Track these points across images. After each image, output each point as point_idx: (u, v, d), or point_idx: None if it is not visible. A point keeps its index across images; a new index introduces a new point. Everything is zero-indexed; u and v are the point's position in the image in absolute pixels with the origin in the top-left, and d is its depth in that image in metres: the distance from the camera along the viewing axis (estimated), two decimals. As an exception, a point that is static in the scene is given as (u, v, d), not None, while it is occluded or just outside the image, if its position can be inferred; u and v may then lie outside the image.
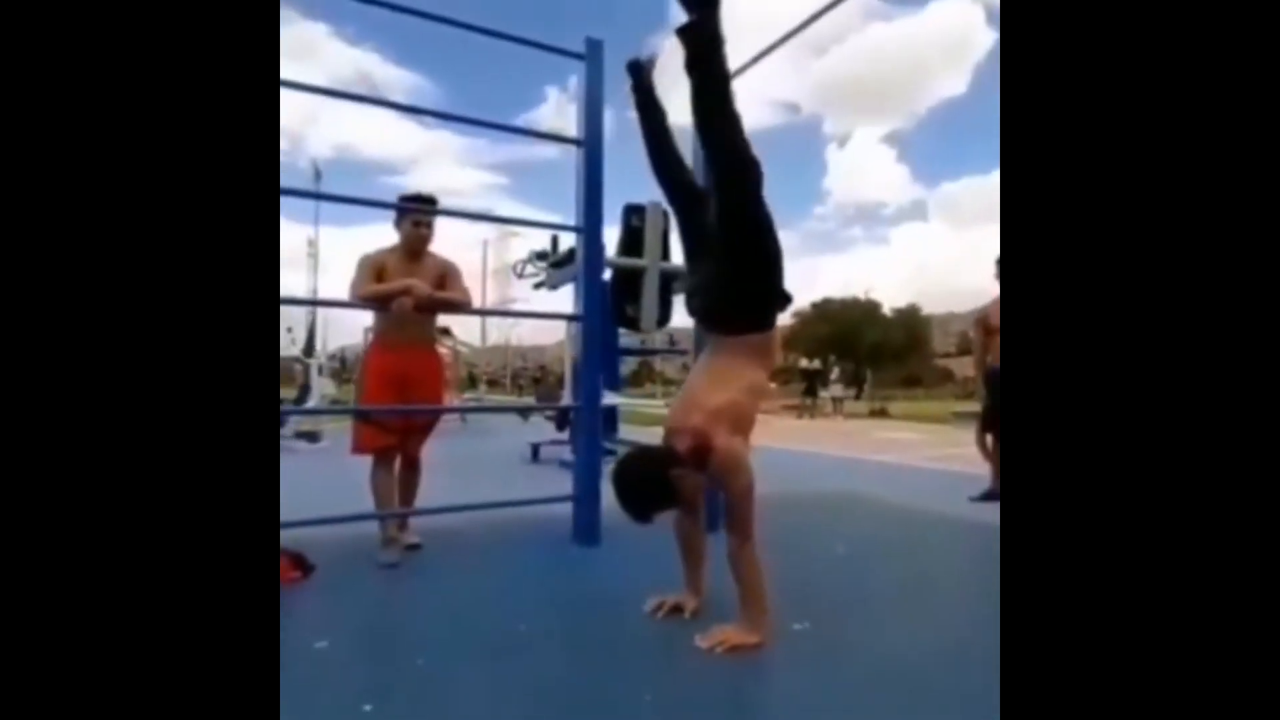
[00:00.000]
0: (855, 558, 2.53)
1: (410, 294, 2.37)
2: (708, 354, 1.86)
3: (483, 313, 3.16)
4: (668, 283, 2.96)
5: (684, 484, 1.64)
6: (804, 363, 15.38)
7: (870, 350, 33.14)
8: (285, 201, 2.44)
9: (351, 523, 2.40)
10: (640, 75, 2.05)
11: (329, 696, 1.35)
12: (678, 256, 2.99)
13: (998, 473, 3.85)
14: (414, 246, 2.49)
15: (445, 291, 2.50)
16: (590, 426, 2.67)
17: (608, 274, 3.13)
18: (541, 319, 3.08)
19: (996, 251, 3.79)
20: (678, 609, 1.85)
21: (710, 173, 1.75)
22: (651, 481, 1.63)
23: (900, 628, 1.79)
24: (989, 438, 3.97)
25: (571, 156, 2.68)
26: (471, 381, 15.46)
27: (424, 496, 2.67)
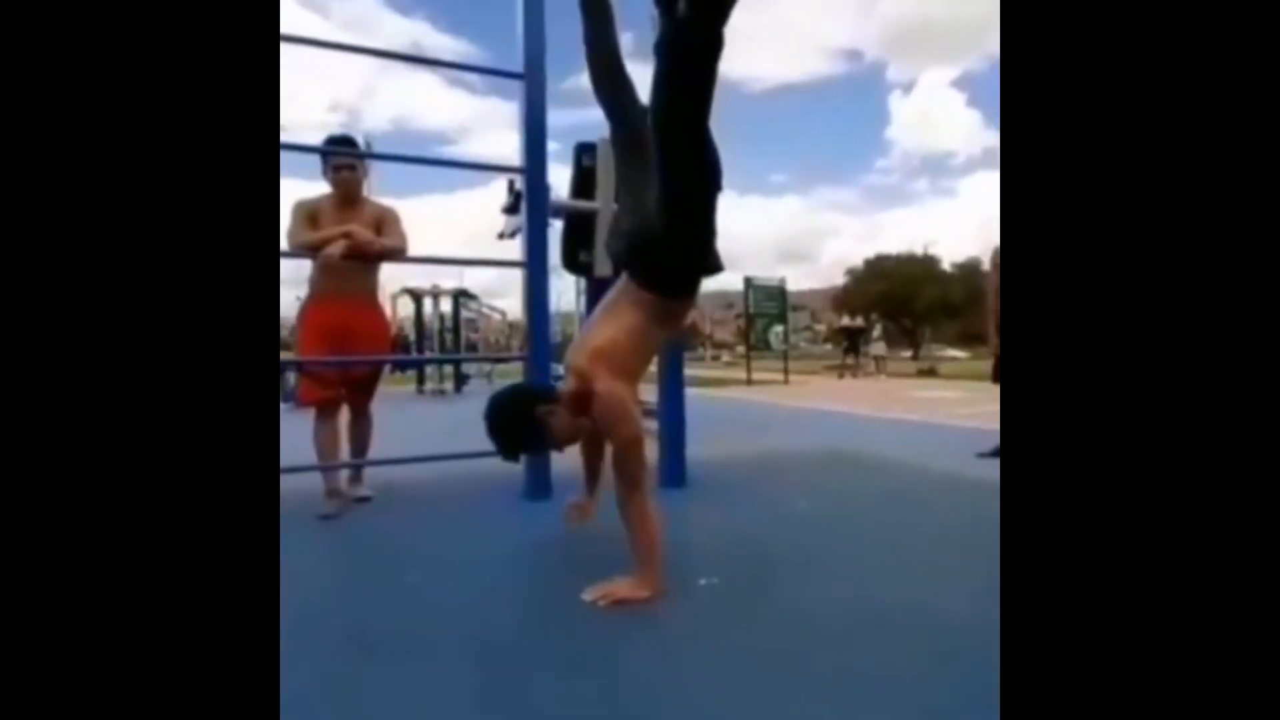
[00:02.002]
0: (816, 514, 2.36)
1: (351, 238, 2.31)
2: (610, 293, 1.72)
3: (419, 260, 3.04)
4: (626, 227, 2.79)
5: (554, 423, 1.55)
6: (845, 320, 14.79)
7: (927, 307, 31.77)
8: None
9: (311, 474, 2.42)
10: None
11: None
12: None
13: (1008, 427, 3.57)
14: (343, 192, 2.42)
15: (382, 238, 2.42)
16: (538, 377, 2.57)
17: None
18: (489, 265, 2.97)
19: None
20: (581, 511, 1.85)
21: (660, 165, 1.48)
22: (516, 418, 1.56)
23: (823, 585, 1.63)
24: (1002, 390, 3.67)
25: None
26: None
27: (403, 450, 2.67)
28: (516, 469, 2.56)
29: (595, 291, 3.82)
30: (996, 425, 3.86)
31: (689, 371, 2.84)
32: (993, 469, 3.35)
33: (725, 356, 17.91)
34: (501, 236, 3.06)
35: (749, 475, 3.12)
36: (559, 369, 3.06)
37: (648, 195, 1.59)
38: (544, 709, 1.09)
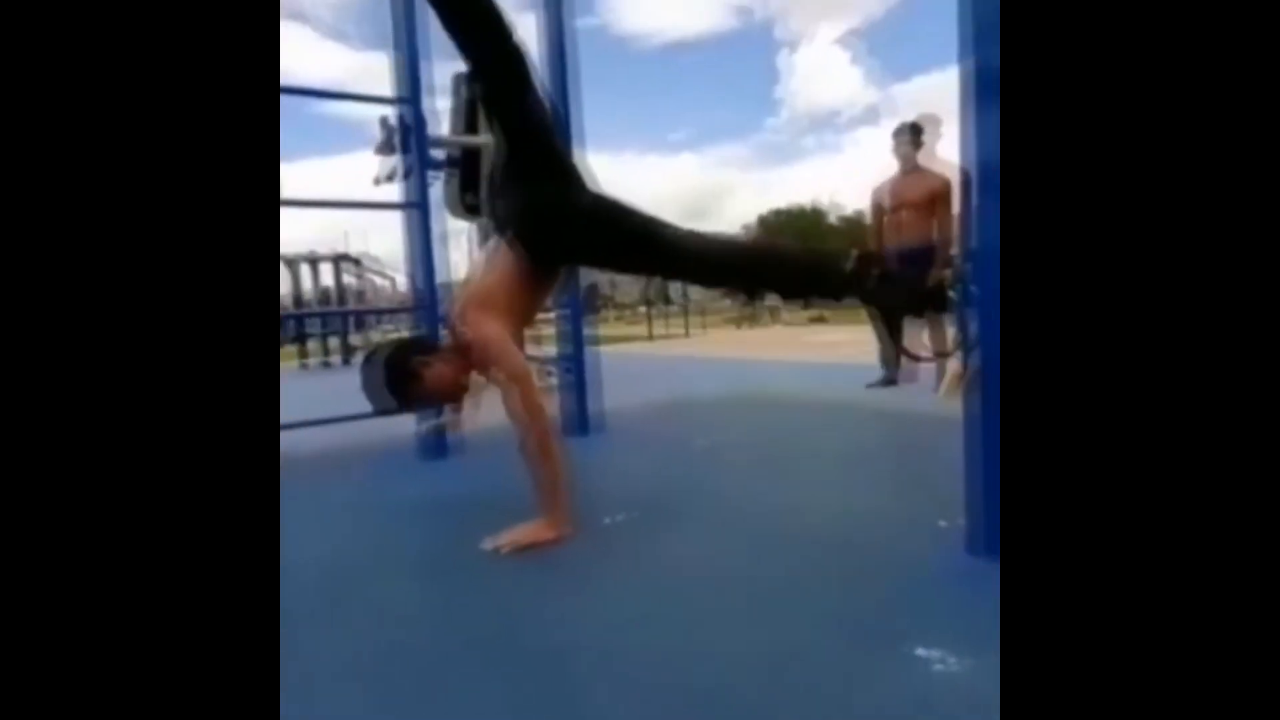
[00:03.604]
0: (718, 449, 2.38)
1: None
2: (488, 252, 1.67)
3: (291, 204, 2.70)
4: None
5: (429, 374, 1.51)
6: (742, 273, 15.18)
7: (816, 260, 33.27)
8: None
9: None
10: None
11: None
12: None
13: (893, 358, 3.77)
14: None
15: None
16: (428, 330, 2.39)
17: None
18: (366, 209, 2.72)
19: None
20: None
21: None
22: (391, 369, 1.51)
23: (726, 512, 1.64)
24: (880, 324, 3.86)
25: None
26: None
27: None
28: (409, 432, 2.41)
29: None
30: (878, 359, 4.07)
31: (589, 331, 2.77)
32: (878, 396, 3.55)
33: (628, 315, 17.99)
34: (377, 181, 2.78)
35: (654, 420, 3.12)
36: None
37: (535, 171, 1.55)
38: (437, 663, 1.00)
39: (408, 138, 2.34)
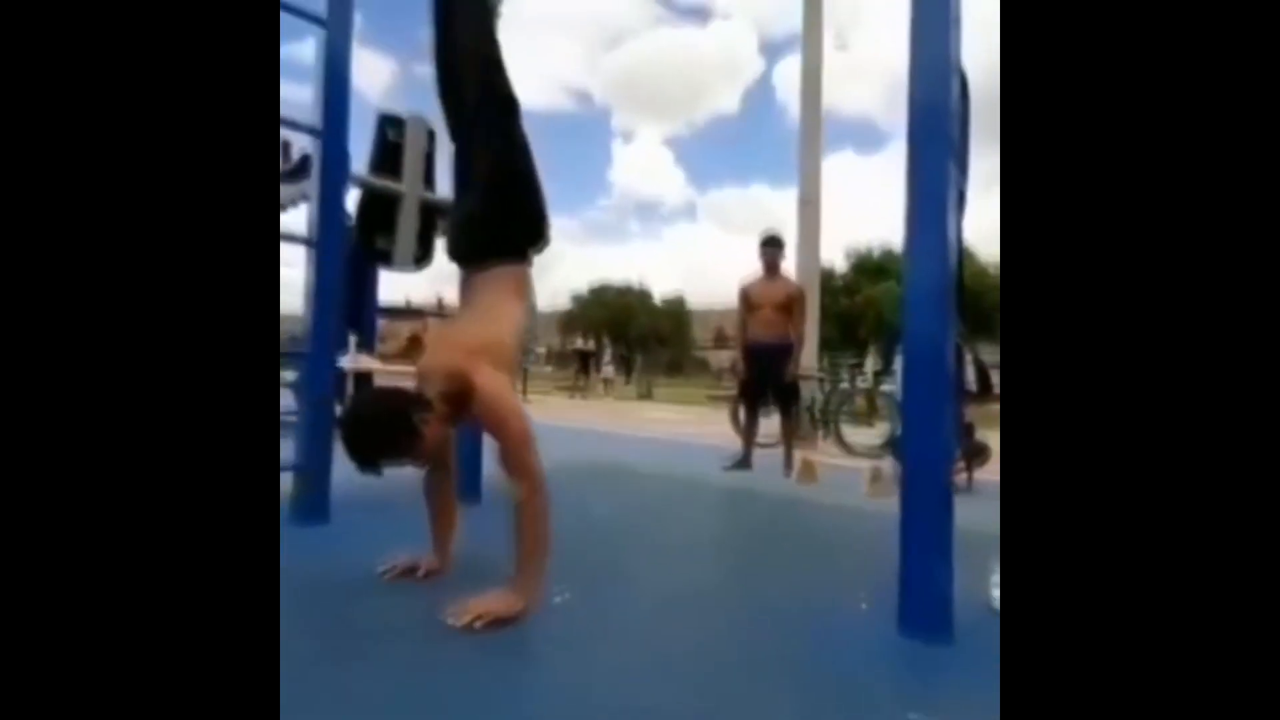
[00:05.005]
0: (614, 523, 2.42)
1: None
2: (467, 296, 1.70)
3: None
4: (431, 216, 2.52)
5: (430, 431, 1.40)
6: (579, 343, 15.55)
7: (640, 336, 35.10)
8: None
9: None
10: None
11: None
12: (442, 189, 2.59)
13: (747, 443, 4.11)
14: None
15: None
16: (318, 380, 2.16)
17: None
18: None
19: (753, 252, 4.06)
20: (411, 570, 1.60)
21: (471, 102, 1.73)
22: (390, 424, 1.37)
23: (658, 589, 1.68)
24: (742, 410, 4.22)
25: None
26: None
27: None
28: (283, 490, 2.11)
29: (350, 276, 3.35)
30: (720, 442, 4.39)
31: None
32: (737, 479, 3.82)
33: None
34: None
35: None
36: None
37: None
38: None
39: (305, 169, 2.18)
